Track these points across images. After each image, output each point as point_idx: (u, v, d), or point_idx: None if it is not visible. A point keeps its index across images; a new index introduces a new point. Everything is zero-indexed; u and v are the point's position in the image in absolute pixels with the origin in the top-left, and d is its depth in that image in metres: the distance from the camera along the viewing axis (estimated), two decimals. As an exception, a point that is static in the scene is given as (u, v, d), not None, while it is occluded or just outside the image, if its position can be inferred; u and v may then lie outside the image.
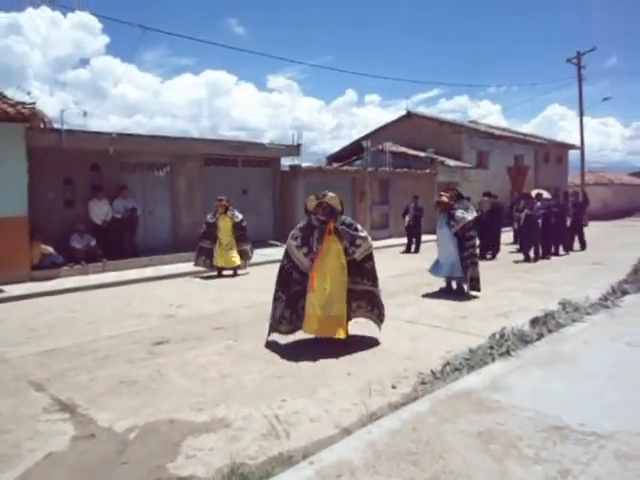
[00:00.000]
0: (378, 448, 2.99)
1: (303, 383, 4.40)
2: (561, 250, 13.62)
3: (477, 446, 3.00)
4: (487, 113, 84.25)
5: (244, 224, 10.95)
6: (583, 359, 4.58)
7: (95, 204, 11.80)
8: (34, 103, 10.10)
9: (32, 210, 10.05)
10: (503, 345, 4.83)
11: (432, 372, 4.44)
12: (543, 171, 27.59)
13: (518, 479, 2.65)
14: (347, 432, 3.38)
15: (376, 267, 5.61)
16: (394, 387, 4.26)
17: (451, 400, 3.68)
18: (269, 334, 5.55)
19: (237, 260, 10.64)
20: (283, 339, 5.56)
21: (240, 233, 10.80)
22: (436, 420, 3.35)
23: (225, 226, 10.61)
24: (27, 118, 9.73)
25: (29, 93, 11.71)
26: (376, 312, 5.63)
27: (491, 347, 4.83)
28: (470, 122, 28.57)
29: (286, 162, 16.66)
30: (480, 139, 24.20)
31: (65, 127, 11.45)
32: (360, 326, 5.68)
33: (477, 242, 9.00)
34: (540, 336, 5.24)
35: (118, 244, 11.90)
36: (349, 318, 5.48)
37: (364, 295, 5.57)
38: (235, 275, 10.72)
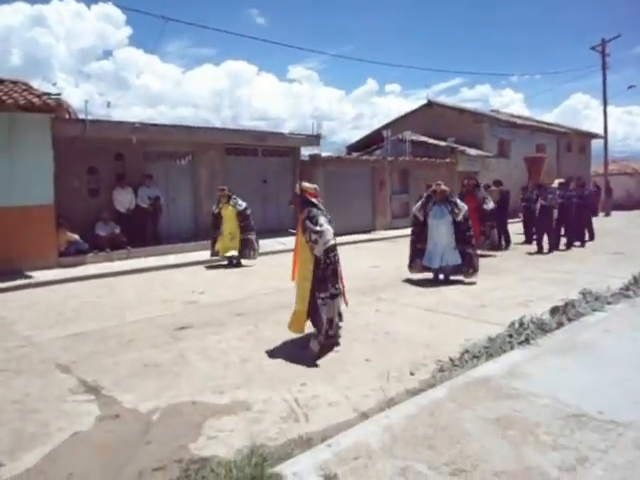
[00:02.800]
0: (395, 432, 3.03)
1: (322, 368, 4.46)
2: (586, 237, 13.51)
3: (495, 432, 3.02)
4: (509, 102, 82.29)
5: (248, 212, 10.66)
6: (603, 348, 4.54)
7: (119, 193, 11.99)
8: (59, 94, 10.28)
9: (58, 198, 10.24)
10: (522, 334, 4.81)
11: (450, 359, 4.45)
12: (565, 160, 27.01)
13: (535, 465, 2.66)
14: (365, 416, 3.43)
15: (339, 267, 5.03)
16: (412, 374, 4.28)
17: (469, 387, 3.69)
18: None
19: (235, 250, 10.51)
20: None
21: (245, 222, 10.59)
22: (454, 406, 3.37)
23: (228, 215, 10.52)
24: (53, 109, 9.91)
25: (54, 84, 11.95)
26: (321, 339, 4.86)
27: (510, 335, 4.82)
28: (492, 111, 28.05)
29: (306, 152, 16.64)
30: (502, 128, 23.80)
31: (89, 117, 11.64)
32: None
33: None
34: (560, 325, 5.22)
35: (142, 232, 12.07)
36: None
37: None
38: (238, 265, 10.63)
